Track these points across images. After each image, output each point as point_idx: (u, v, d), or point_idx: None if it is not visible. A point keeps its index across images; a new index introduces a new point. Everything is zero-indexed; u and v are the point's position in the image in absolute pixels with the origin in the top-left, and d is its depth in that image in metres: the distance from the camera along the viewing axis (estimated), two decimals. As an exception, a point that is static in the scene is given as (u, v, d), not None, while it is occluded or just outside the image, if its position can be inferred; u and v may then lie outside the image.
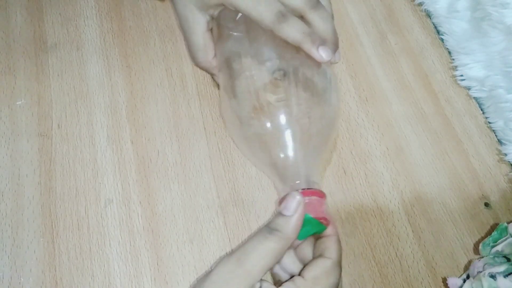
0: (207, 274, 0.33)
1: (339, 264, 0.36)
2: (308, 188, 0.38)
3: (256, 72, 0.40)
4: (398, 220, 0.44)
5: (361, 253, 0.43)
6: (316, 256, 0.36)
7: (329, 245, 0.36)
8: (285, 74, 0.40)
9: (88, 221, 0.42)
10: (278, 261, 0.34)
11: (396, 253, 0.43)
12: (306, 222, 0.36)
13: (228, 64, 0.42)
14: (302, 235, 0.36)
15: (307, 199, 0.36)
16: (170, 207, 0.43)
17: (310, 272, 0.34)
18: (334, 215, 0.44)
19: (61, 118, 0.46)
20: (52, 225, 0.42)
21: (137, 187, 0.44)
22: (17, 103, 0.47)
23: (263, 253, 0.32)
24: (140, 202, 0.43)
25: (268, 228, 0.33)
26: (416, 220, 0.44)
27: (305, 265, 0.36)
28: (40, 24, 0.51)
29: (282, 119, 0.39)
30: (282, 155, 0.39)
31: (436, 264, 0.43)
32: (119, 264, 0.41)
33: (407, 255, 0.43)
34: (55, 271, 0.40)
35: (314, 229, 0.37)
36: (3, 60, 0.49)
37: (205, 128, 0.47)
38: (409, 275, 0.42)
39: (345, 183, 0.45)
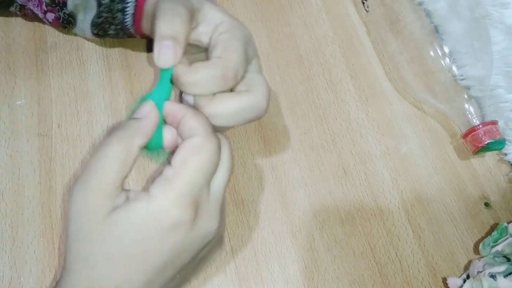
0: (67, 208, 0.29)
1: (209, 136, 0.30)
2: None
3: None
4: (398, 220, 0.44)
5: (361, 253, 0.43)
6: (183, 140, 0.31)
7: (189, 124, 0.30)
8: None
9: (88, 221, 0.42)
10: (131, 165, 0.29)
11: (396, 253, 0.43)
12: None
13: None
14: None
15: None
16: (170, 207, 0.43)
17: (177, 156, 0.29)
18: (334, 215, 0.44)
19: (61, 118, 0.46)
20: (52, 225, 0.42)
21: (137, 187, 0.44)
22: (17, 102, 0.47)
23: (109, 165, 0.28)
24: (140, 202, 0.43)
25: (117, 138, 0.29)
26: (416, 220, 0.44)
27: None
28: (40, 24, 0.51)
29: None
30: None
31: (436, 264, 0.43)
32: (119, 264, 0.41)
33: (407, 255, 0.43)
34: (55, 271, 0.40)
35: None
36: (3, 59, 0.49)
37: (205, 128, 0.47)
38: (409, 275, 0.42)
39: (345, 183, 0.45)
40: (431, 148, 0.48)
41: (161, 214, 0.28)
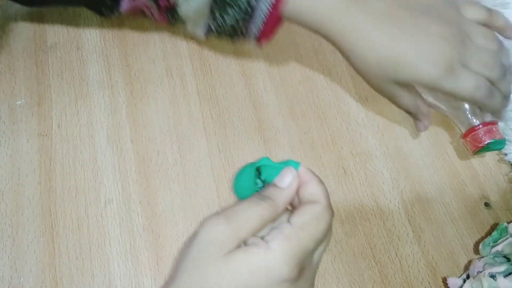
0: (195, 232, 0.32)
1: (329, 208, 0.33)
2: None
3: None
4: (398, 220, 0.44)
5: (361, 253, 0.43)
6: (303, 202, 0.34)
7: (313, 189, 0.34)
8: None
9: (88, 221, 0.42)
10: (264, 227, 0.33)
11: (396, 253, 0.43)
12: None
13: None
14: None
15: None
16: (170, 207, 0.43)
17: (299, 218, 0.32)
18: (335, 215, 0.44)
19: (61, 118, 0.46)
20: (52, 225, 0.42)
21: (137, 187, 0.44)
22: (17, 103, 0.47)
23: (252, 216, 0.31)
24: (140, 202, 0.43)
25: (261, 195, 0.33)
26: (416, 220, 0.44)
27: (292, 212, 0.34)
28: (40, 24, 0.51)
29: None
30: None
31: (436, 264, 0.43)
32: (119, 264, 0.41)
33: (407, 255, 0.43)
34: (55, 271, 0.40)
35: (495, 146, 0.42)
36: (3, 59, 0.49)
37: (205, 128, 0.47)
38: (409, 275, 0.42)
39: (345, 183, 0.45)
40: (431, 148, 0.48)
41: (275, 267, 0.30)
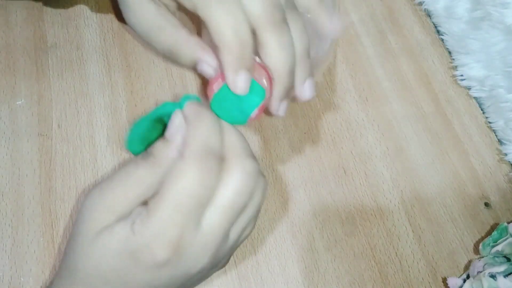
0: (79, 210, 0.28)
1: (197, 159, 0.26)
2: None
3: None
4: (398, 220, 0.44)
5: (361, 253, 0.43)
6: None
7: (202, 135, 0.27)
8: None
9: (88, 221, 0.42)
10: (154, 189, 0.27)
11: (396, 253, 0.43)
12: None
13: None
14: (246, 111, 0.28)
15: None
16: (170, 207, 0.43)
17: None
18: (334, 215, 0.44)
19: (61, 118, 0.46)
20: (52, 225, 0.42)
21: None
22: (17, 102, 0.47)
23: (128, 183, 0.26)
24: (140, 202, 0.43)
25: (144, 153, 0.27)
26: (416, 220, 0.44)
27: None
28: (40, 24, 0.51)
29: None
30: None
31: (436, 264, 0.43)
32: (119, 264, 0.41)
33: (407, 255, 0.43)
34: (55, 271, 0.40)
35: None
36: (3, 59, 0.49)
37: (205, 128, 0.47)
38: (409, 275, 0.42)
39: (345, 183, 0.45)
40: (431, 148, 0.48)
41: (138, 250, 0.26)
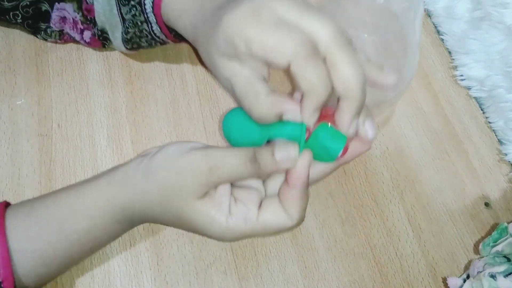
0: (175, 148, 0.31)
1: (296, 227, 0.32)
2: None
3: None
4: (398, 220, 0.44)
5: (361, 253, 0.43)
6: (281, 199, 0.32)
7: (293, 199, 0.31)
8: None
9: (88, 221, 0.42)
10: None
11: (396, 253, 0.43)
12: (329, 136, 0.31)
13: None
14: (332, 153, 0.31)
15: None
16: (170, 207, 0.43)
17: (268, 215, 0.31)
18: (334, 215, 0.44)
19: (61, 117, 0.46)
20: (52, 225, 0.42)
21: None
22: (17, 103, 0.47)
23: (233, 173, 0.30)
24: (140, 202, 0.43)
25: (252, 156, 0.30)
26: (416, 220, 0.44)
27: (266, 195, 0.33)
28: (40, 24, 0.51)
29: None
30: None
31: (436, 264, 0.43)
32: (119, 264, 0.41)
33: (407, 255, 0.43)
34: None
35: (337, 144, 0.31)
36: (3, 59, 0.49)
37: (205, 128, 0.47)
38: (409, 275, 0.42)
39: (345, 183, 0.45)
40: (431, 148, 0.48)
41: (220, 238, 0.32)
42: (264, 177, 0.32)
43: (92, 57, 0.49)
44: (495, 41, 0.48)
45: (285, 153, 0.30)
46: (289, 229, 0.32)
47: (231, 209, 0.31)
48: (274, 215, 0.32)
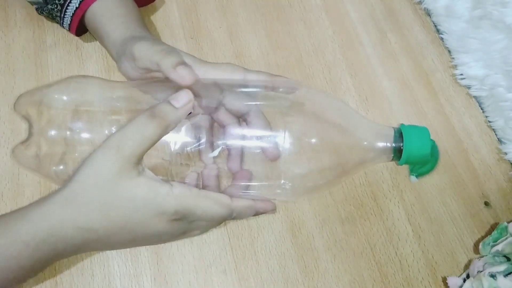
0: (88, 158, 0.33)
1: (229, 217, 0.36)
2: None
3: None
4: (398, 219, 0.44)
5: (361, 252, 0.43)
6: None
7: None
8: None
9: (88, 221, 0.42)
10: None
11: (396, 252, 0.43)
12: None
13: None
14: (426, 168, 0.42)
15: None
16: (170, 207, 0.43)
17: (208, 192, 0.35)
18: (334, 215, 0.44)
19: (60, 117, 0.46)
20: (52, 225, 0.41)
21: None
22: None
23: (141, 140, 0.32)
24: (140, 202, 0.43)
25: (152, 113, 0.33)
26: (416, 220, 0.44)
27: None
28: (39, 23, 0.51)
29: None
30: None
31: (436, 263, 0.43)
32: (119, 264, 0.41)
33: (407, 254, 0.43)
34: (55, 271, 0.40)
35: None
36: (3, 59, 0.49)
37: (204, 128, 0.47)
38: (409, 275, 0.42)
39: (345, 182, 0.45)
40: (431, 147, 0.48)
41: (166, 209, 0.32)
42: (170, 130, 0.33)
43: (92, 57, 0.49)
44: (495, 40, 0.47)
45: (182, 96, 0.34)
46: (225, 214, 0.35)
47: (173, 183, 0.33)
48: (217, 193, 0.35)
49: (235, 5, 0.54)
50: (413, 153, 0.37)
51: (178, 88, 0.35)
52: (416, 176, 0.44)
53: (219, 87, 0.40)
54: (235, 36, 0.52)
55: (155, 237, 0.34)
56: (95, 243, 0.32)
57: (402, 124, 0.39)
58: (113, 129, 0.37)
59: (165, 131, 0.33)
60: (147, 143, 0.32)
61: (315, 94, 0.42)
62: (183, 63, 0.37)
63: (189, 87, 0.36)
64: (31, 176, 0.43)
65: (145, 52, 0.38)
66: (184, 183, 0.34)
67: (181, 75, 0.36)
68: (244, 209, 0.36)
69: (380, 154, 0.38)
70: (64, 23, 0.46)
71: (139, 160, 0.32)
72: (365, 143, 0.38)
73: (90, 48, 0.50)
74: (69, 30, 0.46)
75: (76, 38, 0.50)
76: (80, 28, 0.46)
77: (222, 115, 0.40)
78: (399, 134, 0.38)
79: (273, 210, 0.38)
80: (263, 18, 0.53)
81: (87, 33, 0.50)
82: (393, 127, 0.39)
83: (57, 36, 0.50)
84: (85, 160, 0.32)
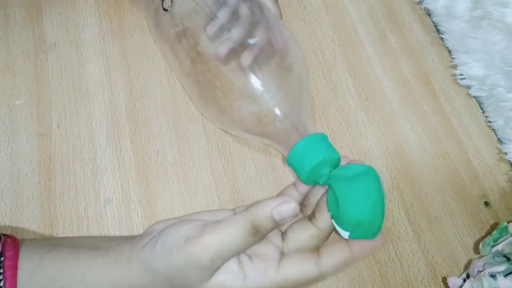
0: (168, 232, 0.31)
1: (321, 276, 0.32)
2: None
3: None
4: (398, 219, 0.44)
5: (361, 253, 0.43)
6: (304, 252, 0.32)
7: (333, 251, 0.32)
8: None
9: (87, 221, 0.42)
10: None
11: (396, 252, 0.43)
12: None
13: None
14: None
15: None
16: (170, 207, 0.43)
17: (287, 266, 0.31)
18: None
19: (60, 117, 0.46)
20: (52, 225, 0.42)
21: (137, 186, 0.44)
22: (17, 102, 0.47)
23: (237, 252, 0.30)
24: (139, 202, 0.43)
25: (254, 229, 0.30)
26: (416, 219, 0.44)
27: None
28: (39, 23, 0.51)
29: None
30: (268, 117, 0.37)
31: (436, 263, 0.43)
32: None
33: (407, 254, 0.43)
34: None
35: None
36: (2, 59, 0.48)
37: (204, 128, 0.47)
38: (409, 275, 0.42)
39: (345, 182, 0.45)
40: (431, 147, 0.48)
41: None
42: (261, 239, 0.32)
43: (92, 57, 0.49)
44: (495, 40, 0.47)
45: (287, 211, 0.30)
46: (314, 279, 0.31)
47: (246, 268, 0.31)
48: (298, 264, 0.31)
49: (235, 5, 0.54)
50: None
51: None
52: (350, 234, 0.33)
53: None
54: (235, 36, 0.52)
55: None
56: None
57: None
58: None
59: (256, 243, 0.31)
60: (237, 253, 0.31)
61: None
62: None
63: None
64: (31, 175, 0.43)
65: None
66: (257, 263, 0.31)
67: None
68: (337, 268, 0.32)
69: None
70: None
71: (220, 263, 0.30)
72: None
73: (90, 48, 0.50)
74: None
75: (76, 38, 0.50)
76: None
77: None
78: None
79: (376, 246, 0.32)
80: (263, 18, 0.53)
81: (88, 33, 0.50)
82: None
83: (57, 36, 0.50)
84: (176, 258, 0.30)
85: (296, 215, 0.30)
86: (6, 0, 0.52)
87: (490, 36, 0.48)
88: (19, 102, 0.47)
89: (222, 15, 0.39)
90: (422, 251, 0.43)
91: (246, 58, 0.37)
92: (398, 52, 0.53)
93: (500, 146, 0.48)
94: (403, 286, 0.42)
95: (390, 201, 0.45)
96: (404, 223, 0.44)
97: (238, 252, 0.31)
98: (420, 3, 0.55)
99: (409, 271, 0.42)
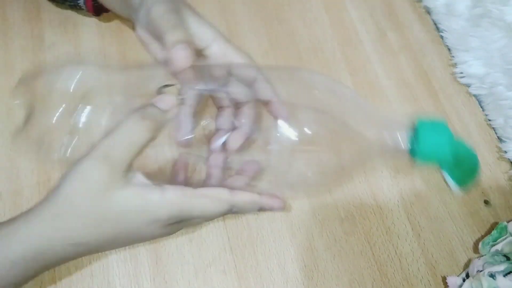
0: (75, 167, 0.30)
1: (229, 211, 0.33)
2: None
3: None
4: (398, 218, 0.44)
5: (360, 251, 0.43)
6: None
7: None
8: None
9: (87, 221, 0.42)
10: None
11: (395, 251, 0.43)
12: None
13: None
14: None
15: None
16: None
17: (205, 190, 0.32)
18: (334, 214, 0.44)
19: (59, 117, 0.46)
20: (51, 225, 0.41)
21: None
22: (16, 102, 0.46)
23: (131, 146, 0.30)
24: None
25: (140, 116, 0.31)
26: (416, 218, 0.44)
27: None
28: (38, 23, 0.50)
29: None
30: None
31: (435, 262, 0.43)
32: (118, 264, 0.41)
33: (406, 253, 0.43)
34: (54, 270, 0.40)
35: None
36: (1, 59, 0.48)
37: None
38: (409, 273, 0.42)
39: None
40: (430, 146, 0.48)
41: (160, 214, 0.31)
42: (158, 134, 0.32)
43: (91, 56, 0.49)
44: (495, 38, 0.47)
45: (169, 100, 0.33)
46: (227, 205, 0.32)
47: (165, 186, 0.31)
48: (215, 189, 0.33)
49: (234, 4, 0.54)
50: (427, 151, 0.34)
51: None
52: (459, 184, 0.37)
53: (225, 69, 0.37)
54: (235, 35, 0.52)
55: (150, 238, 0.33)
56: (87, 252, 0.32)
57: (418, 119, 0.36)
58: (113, 114, 0.35)
59: (154, 135, 0.31)
60: (136, 149, 0.30)
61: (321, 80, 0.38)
62: (185, 42, 0.33)
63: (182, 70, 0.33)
64: (30, 176, 0.43)
65: (157, 18, 0.34)
66: (178, 184, 0.32)
67: (176, 57, 0.33)
68: (246, 204, 0.34)
69: (391, 153, 0.36)
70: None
71: (128, 167, 0.30)
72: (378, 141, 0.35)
73: (89, 48, 0.49)
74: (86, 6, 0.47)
75: (75, 37, 0.50)
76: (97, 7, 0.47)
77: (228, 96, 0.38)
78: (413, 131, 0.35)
79: (281, 208, 0.35)
80: (262, 17, 0.53)
81: (87, 33, 0.50)
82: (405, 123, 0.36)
83: (56, 35, 0.50)
84: (72, 170, 0.30)
85: (173, 103, 0.33)
86: (6, 0, 0.52)
87: (490, 34, 0.48)
88: (18, 102, 0.46)
89: None
90: (422, 250, 0.43)
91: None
92: (398, 50, 0.52)
93: (500, 145, 0.48)
94: (403, 285, 0.42)
95: (390, 200, 0.45)
96: (403, 222, 0.44)
97: (138, 145, 0.31)
98: (420, 1, 0.55)
99: (408, 270, 0.42)
